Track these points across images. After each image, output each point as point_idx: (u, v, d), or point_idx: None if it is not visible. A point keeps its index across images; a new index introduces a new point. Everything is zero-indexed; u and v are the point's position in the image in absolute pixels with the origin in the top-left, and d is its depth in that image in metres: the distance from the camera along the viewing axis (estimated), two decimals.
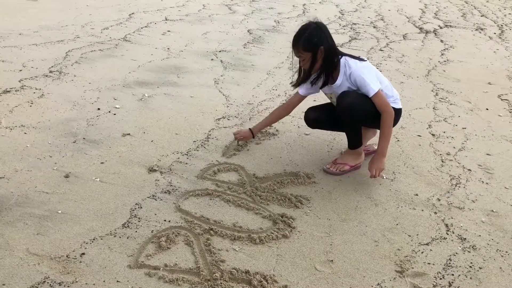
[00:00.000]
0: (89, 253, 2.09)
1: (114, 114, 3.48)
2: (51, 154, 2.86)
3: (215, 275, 2.00)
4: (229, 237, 2.28)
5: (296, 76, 2.86)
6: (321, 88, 2.84)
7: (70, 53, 4.64)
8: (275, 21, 7.03)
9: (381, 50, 5.80)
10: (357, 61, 2.71)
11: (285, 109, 3.02)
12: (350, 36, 6.35)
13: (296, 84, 2.84)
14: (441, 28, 7.41)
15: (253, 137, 3.09)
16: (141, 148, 3.05)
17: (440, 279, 2.12)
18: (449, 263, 2.23)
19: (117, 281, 1.95)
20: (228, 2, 8.06)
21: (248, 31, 6.27)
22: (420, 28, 7.16)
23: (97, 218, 2.33)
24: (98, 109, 3.53)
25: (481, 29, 7.61)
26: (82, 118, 3.36)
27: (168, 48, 5.18)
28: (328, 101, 3.03)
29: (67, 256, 2.06)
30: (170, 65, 4.67)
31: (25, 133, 3.06)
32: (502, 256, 2.33)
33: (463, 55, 5.92)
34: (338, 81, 2.71)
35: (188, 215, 2.41)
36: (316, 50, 2.61)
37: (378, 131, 2.89)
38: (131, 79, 4.18)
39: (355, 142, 2.88)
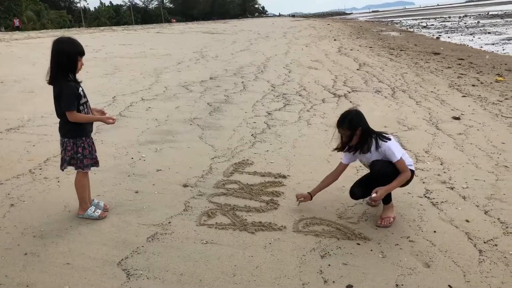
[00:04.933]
0: (173, 222, 3.79)
1: (144, 160, 5.20)
2: (121, 182, 4.52)
3: (245, 222, 3.79)
4: (244, 210, 4.06)
5: (336, 144, 3.70)
6: (354, 153, 3.60)
7: None
8: (224, 95, 9.13)
9: (308, 111, 8.00)
10: (387, 139, 3.47)
11: (334, 176, 3.78)
12: (283, 103, 8.56)
13: (337, 149, 3.66)
14: (349, 92, 9.67)
15: (311, 199, 3.84)
16: (172, 176, 4.79)
17: None
18: None
19: (194, 230, 3.68)
20: (183, 84, 10.11)
21: (208, 104, 8.28)
22: (334, 94, 9.56)
23: (168, 208, 4.04)
24: (132, 158, 5.24)
25: (379, 91, 9.80)
26: (124, 164, 5.05)
27: (156, 119, 7.01)
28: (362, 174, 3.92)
29: (161, 223, 3.75)
30: (164, 129, 6.49)
31: (94, 173, 4.69)
32: None
33: (366, 110, 8.16)
34: (370, 154, 3.53)
35: (217, 204, 4.18)
36: (355, 129, 3.41)
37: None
38: (142, 140, 5.93)
39: (387, 198, 3.59)
